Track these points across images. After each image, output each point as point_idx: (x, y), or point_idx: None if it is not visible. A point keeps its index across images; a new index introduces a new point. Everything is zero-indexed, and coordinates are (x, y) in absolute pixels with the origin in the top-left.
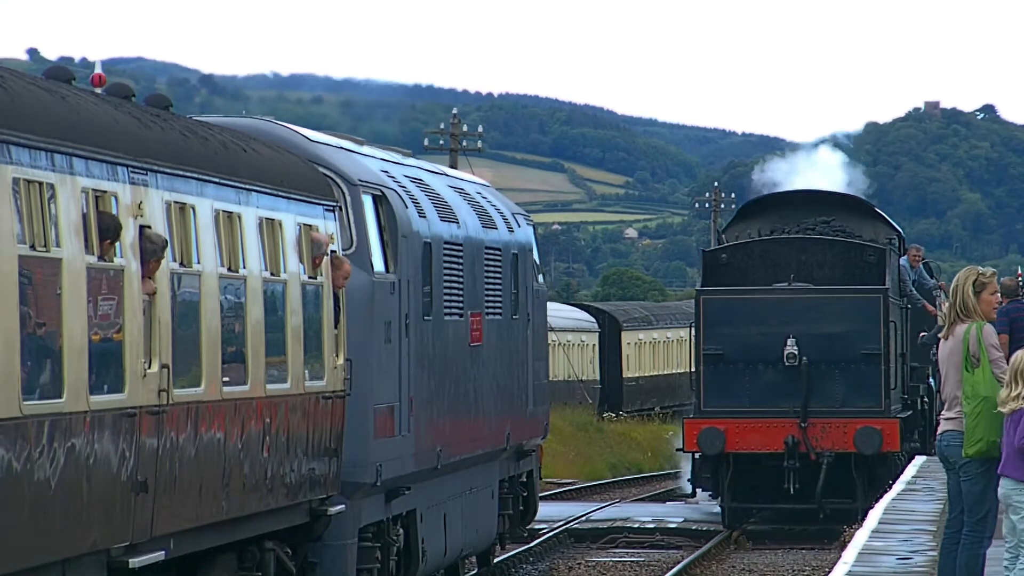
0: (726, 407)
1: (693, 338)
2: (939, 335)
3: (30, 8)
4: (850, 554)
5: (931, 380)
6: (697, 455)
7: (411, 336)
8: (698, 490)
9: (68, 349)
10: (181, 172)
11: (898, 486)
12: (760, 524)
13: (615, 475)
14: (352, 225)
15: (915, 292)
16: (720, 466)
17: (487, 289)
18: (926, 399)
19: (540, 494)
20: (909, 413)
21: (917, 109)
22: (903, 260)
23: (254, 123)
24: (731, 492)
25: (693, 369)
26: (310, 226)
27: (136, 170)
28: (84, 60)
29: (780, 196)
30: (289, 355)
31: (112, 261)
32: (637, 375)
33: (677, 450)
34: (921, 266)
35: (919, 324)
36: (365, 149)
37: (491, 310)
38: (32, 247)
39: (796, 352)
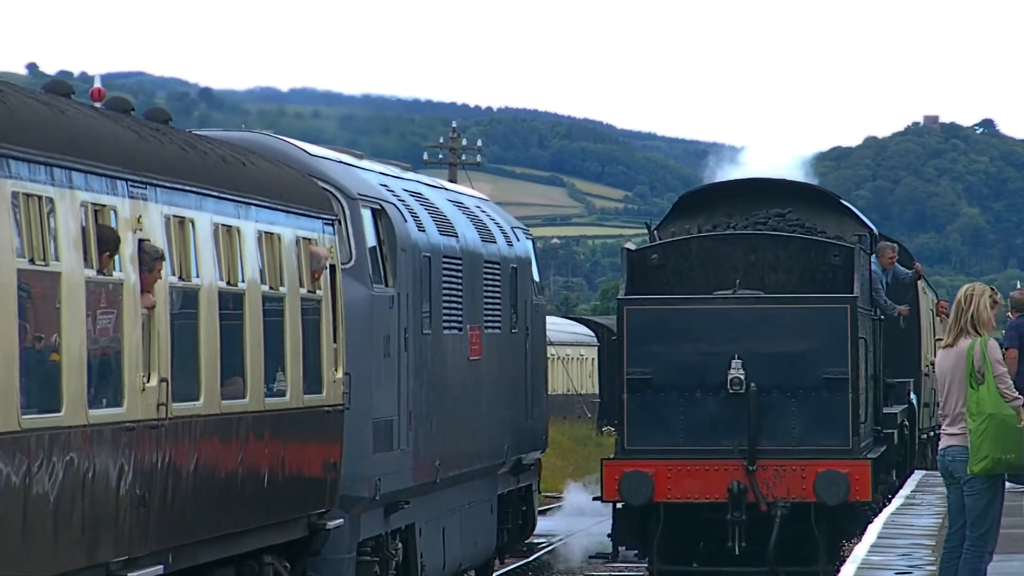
0: (655, 446)
1: (617, 359)
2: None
3: (29, 22)
4: (849, 568)
5: (912, 396)
6: (619, 505)
7: (410, 350)
8: (620, 549)
9: (67, 363)
10: (180, 186)
11: (897, 501)
12: None
13: None
14: (351, 239)
15: (888, 301)
16: (648, 519)
17: (486, 303)
18: (907, 424)
19: (539, 508)
20: (883, 449)
21: (916, 123)
22: (873, 263)
23: (253, 137)
24: (661, 552)
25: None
26: (309, 240)
27: (135, 184)
28: (83, 74)
29: (725, 186)
30: (288, 369)
31: (111, 275)
32: None
33: (594, 499)
34: (897, 264)
35: (894, 338)
36: (364, 163)
37: (490, 324)
38: (31, 261)
39: (742, 377)
